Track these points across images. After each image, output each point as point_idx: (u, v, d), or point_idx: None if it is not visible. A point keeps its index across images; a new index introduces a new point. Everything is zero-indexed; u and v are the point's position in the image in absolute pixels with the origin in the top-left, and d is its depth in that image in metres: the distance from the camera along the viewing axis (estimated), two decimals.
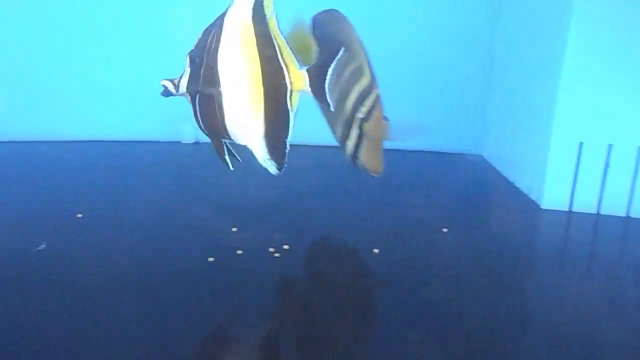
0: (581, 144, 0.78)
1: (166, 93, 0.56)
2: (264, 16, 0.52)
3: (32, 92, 1.01)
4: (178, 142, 1.05)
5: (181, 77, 0.55)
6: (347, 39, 0.61)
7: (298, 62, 0.53)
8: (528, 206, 0.82)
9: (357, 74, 0.60)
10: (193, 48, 0.54)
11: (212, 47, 0.52)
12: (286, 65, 0.52)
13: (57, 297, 0.51)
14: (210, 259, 0.59)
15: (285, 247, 0.63)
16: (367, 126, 0.61)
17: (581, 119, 0.77)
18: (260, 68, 0.52)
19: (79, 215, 0.68)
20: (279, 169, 0.55)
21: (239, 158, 0.58)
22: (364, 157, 0.63)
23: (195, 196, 0.80)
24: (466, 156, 1.08)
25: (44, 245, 0.60)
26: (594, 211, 0.79)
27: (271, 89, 0.52)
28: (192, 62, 0.53)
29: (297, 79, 0.52)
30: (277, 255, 0.61)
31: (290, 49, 0.53)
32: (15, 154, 0.96)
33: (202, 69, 0.53)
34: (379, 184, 0.73)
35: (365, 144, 0.62)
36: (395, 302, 0.54)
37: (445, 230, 0.70)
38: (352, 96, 0.61)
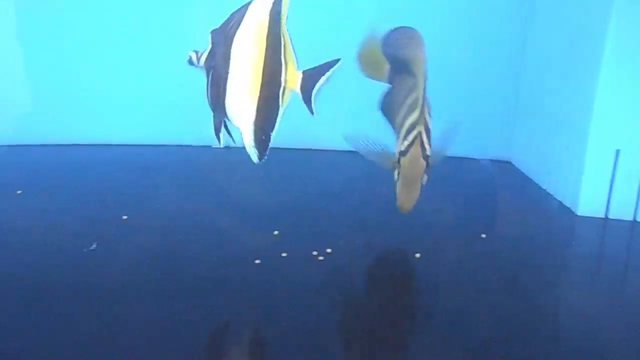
0: (618, 150, 0.78)
1: (190, 62, 0.61)
2: (279, 13, 0.55)
3: (63, 95, 1.02)
4: (208, 147, 1.06)
5: (204, 51, 0.60)
6: (413, 63, 0.62)
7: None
8: (563, 213, 0.82)
9: (413, 107, 0.60)
10: (217, 27, 0.58)
11: (231, 30, 0.57)
12: (285, 63, 0.56)
13: (111, 297, 0.52)
14: (257, 261, 0.60)
15: (328, 250, 0.64)
16: (402, 161, 0.60)
17: (618, 125, 0.77)
18: (264, 60, 0.56)
19: (124, 217, 0.69)
20: (260, 159, 0.59)
21: (234, 140, 0.60)
22: (397, 189, 0.62)
23: (230, 200, 0.81)
24: (494, 162, 1.08)
25: (95, 245, 0.61)
26: (630, 218, 0.79)
27: (268, 82, 0.56)
28: (212, 40, 0.58)
29: (292, 78, 0.56)
30: (321, 258, 0.62)
31: (293, 48, 0.56)
32: (51, 157, 0.98)
33: (219, 48, 0.57)
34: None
35: (400, 177, 0.61)
36: (442, 305, 0.55)
37: (483, 235, 0.71)
38: (403, 129, 0.61)
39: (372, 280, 0.61)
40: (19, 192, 0.77)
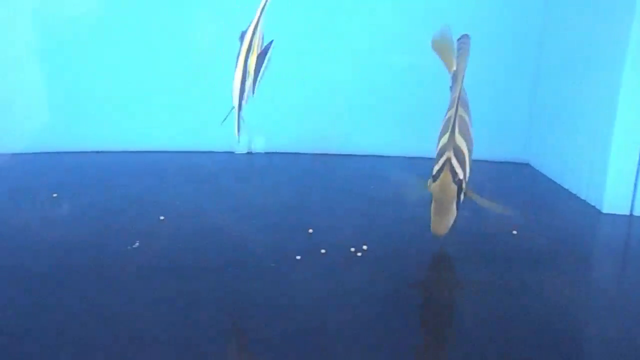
0: None
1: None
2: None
3: (90, 103, 1.04)
4: (232, 153, 1.08)
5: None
6: (456, 74, 0.66)
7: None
8: (588, 211, 0.83)
9: (447, 126, 0.61)
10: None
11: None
12: (254, 49, 0.62)
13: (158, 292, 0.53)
14: (298, 257, 0.61)
15: (365, 247, 0.65)
16: (432, 186, 0.59)
17: None
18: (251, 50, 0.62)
19: (162, 218, 0.70)
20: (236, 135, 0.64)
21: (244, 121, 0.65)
22: (430, 212, 0.60)
23: (260, 202, 0.82)
24: (513, 164, 1.09)
25: (137, 243, 0.62)
26: None
27: (246, 68, 0.62)
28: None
29: (251, 62, 0.62)
30: (359, 254, 0.63)
31: (263, 38, 0.64)
32: (83, 163, 0.99)
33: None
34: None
35: (432, 201, 0.60)
36: (482, 300, 0.56)
37: (515, 232, 0.72)
38: (437, 150, 0.62)
39: (413, 275, 0.62)
40: (54, 195, 0.78)
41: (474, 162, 1.05)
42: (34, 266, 0.58)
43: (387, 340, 0.48)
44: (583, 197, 0.88)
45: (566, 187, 0.94)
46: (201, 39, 1.03)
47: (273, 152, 1.08)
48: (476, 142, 1.06)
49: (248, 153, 1.08)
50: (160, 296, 0.53)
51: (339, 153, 1.08)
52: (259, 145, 1.09)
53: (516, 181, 1.02)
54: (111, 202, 0.78)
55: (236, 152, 1.08)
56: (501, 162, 1.10)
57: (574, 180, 0.92)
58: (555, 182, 0.97)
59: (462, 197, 0.60)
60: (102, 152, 1.04)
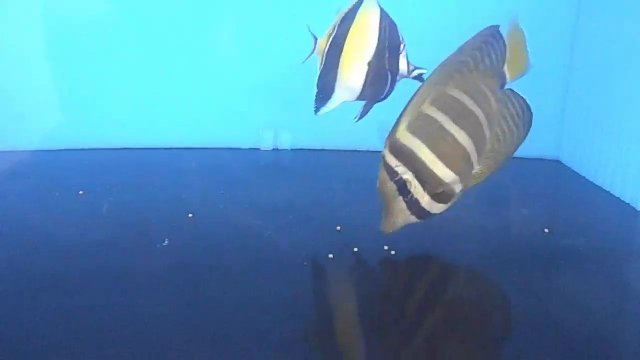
0: None
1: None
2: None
3: (109, 100, 1.03)
4: (258, 149, 1.07)
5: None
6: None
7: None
8: (624, 208, 0.81)
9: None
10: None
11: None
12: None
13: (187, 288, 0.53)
14: (330, 256, 0.60)
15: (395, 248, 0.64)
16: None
17: None
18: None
19: (190, 215, 0.70)
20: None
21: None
22: None
23: (286, 199, 0.81)
24: (544, 161, 1.07)
25: (167, 241, 0.61)
26: None
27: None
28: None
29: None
30: (393, 252, 0.62)
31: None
32: (105, 161, 0.99)
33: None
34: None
35: None
36: (521, 300, 0.55)
37: (547, 230, 0.70)
38: None
39: (449, 274, 0.61)
40: (81, 192, 0.78)
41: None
42: (68, 268, 0.58)
43: (433, 338, 0.47)
44: (617, 195, 0.86)
45: (598, 184, 0.92)
46: (219, 33, 1.02)
47: (299, 149, 1.07)
48: None
49: (274, 150, 1.08)
50: (195, 296, 0.52)
51: (367, 149, 1.07)
52: (285, 141, 1.08)
53: (547, 178, 1.00)
54: (138, 199, 0.78)
55: (262, 149, 1.07)
56: (532, 159, 1.08)
57: (607, 177, 0.90)
58: (587, 179, 0.95)
59: (425, 197, 0.56)
60: (122, 149, 1.03)
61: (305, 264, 0.59)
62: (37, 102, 1.01)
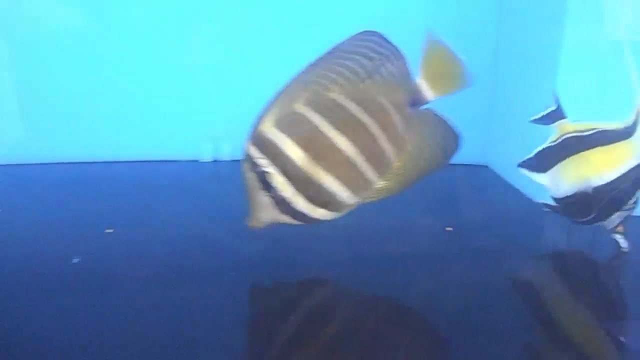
0: None
1: None
2: None
3: (52, 114, 1.05)
4: (196, 161, 1.10)
5: None
6: None
7: None
8: (539, 213, 0.85)
9: None
10: None
11: None
12: None
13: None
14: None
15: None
16: None
17: None
18: None
19: (109, 230, 0.73)
20: None
21: None
22: None
23: (218, 208, 0.84)
24: (472, 166, 1.11)
25: (77, 259, 0.64)
26: None
27: None
28: None
29: None
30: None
31: None
32: (37, 176, 1.00)
33: None
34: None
35: None
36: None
37: (449, 228, 0.76)
38: None
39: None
40: None
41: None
42: None
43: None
44: (530, 197, 0.90)
45: (519, 188, 0.96)
46: (164, 46, 1.05)
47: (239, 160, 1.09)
48: None
49: (214, 161, 1.10)
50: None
51: None
52: (225, 152, 1.10)
53: (470, 183, 1.04)
54: (56, 215, 0.80)
55: (201, 161, 1.10)
56: (461, 165, 1.12)
57: (527, 182, 0.93)
58: (510, 184, 0.99)
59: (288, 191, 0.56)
60: (54, 163, 1.05)
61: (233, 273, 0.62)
62: None
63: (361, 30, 0.60)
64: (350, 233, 0.73)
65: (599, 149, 0.65)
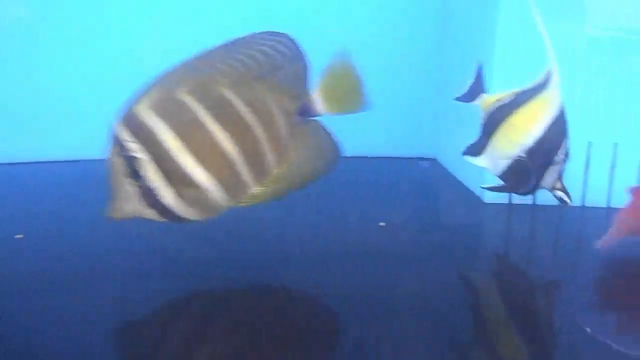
0: None
1: None
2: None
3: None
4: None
5: None
6: None
7: None
8: (473, 201, 0.85)
9: None
10: None
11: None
12: None
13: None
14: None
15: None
16: None
17: None
18: None
19: (19, 236, 0.69)
20: None
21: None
22: None
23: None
24: (420, 159, 1.10)
25: None
26: (529, 202, 0.82)
27: None
28: None
29: None
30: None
31: None
32: None
33: None
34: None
35: None
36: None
37: (382, 224, 0.73)
38: None
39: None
40: None
41: (383, 159, 1.07)
42: None
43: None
44: (471, 189, 0.88)
45: (463, 182, 0.94)
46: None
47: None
48: (385, 138, 1.08)
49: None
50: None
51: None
52: None
53: (415, 176, 1.02)
54: None
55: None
56: (409, 158, 1.10)
57: (468, 175, 0.92)
58: (454, 177, 0.97)
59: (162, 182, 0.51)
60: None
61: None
62: None
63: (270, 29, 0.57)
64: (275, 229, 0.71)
65: (520, 110, 0.65)
